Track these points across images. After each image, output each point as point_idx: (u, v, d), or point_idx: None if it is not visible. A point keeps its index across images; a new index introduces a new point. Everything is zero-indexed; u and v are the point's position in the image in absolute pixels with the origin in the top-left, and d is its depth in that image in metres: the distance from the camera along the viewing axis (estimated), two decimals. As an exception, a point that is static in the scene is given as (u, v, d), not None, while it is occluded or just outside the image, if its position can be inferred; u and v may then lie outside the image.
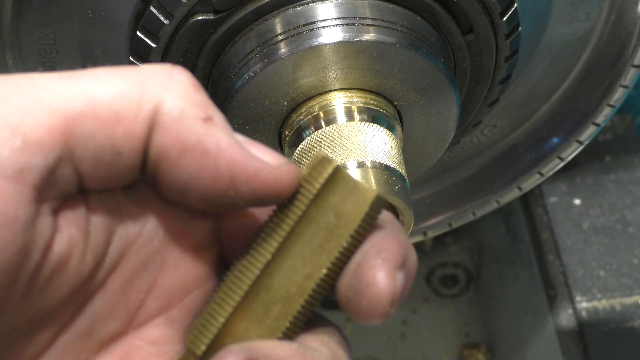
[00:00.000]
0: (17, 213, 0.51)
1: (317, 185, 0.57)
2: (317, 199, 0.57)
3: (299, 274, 0.57)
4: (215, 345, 0.57)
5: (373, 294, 0.55)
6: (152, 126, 0.54)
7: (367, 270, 0.56)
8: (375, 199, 0.57)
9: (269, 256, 0.57)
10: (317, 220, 0.57)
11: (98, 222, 0.56)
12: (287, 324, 0.57)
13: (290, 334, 0.57)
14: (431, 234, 1.19)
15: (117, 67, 0.55)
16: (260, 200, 0.56)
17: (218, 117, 0.55)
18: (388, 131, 0.88)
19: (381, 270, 0.56)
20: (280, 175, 0.56)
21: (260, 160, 0.56)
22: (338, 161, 0.85)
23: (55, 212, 0.54)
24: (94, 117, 0.53)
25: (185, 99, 0.55)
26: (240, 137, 0.56)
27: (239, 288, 0.57)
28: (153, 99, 0.54)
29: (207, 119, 0.55)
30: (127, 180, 0.56)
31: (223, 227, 0.60)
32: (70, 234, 0.55)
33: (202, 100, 0.55)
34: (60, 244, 0.54)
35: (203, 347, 0.57)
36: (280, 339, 0.57)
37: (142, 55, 0.90)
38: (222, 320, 0.57)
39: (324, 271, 0.57)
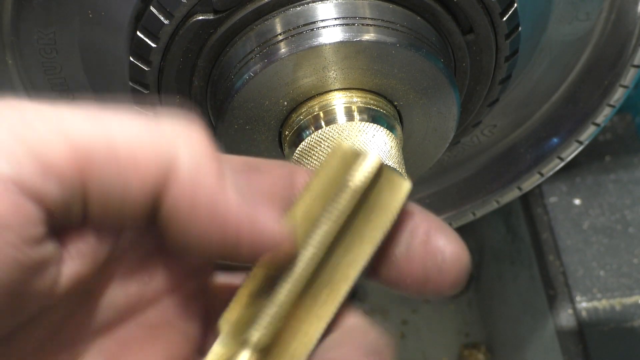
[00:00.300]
0: (28, 231, 0.52)
1: (359, 183, 0.59)
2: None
3: (342, 263, 0.59)
4: (277, 338, 0.59)
5: (447, 260, 0.59)
6: (166, 178, 0.55)
7: (432, 244, 0.59)
8: (409, 189, 0.60)
9: (315, 246, 0.59)
10: (355, 211, 0.59)
11: (97, 256, 0.57)
12: (334, 309, 0.59)
13: (334, 319, 0.60)
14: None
15: (139, 113, 0.56)
16: (256, 258, 0.58)
17: (229, 176, 0.57)
18: (388, 131, 0.88)
19: (443, 238, 0.60)
20: (282, 239, 0.58)
21: (264, 223, 0.57)
22: None
23: (60, 238, 0.55)
24: (112, 160, 0.54)
25: (201, 155, 0.56)
26: (247, 195, 0.58)
27: (285, 280, 0.59)
28: (171, 151, 0.55)
29: (220, 177, 0.56)
30: (132, 225, 0.57)
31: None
32: (72, 263, 0.56)
33: (216, 157, 0.57)
34: (59, 269, 0.55)
35: (265, 339, 0.58)
36: (328, 323, 0.59)
37: (142, 55, 0.90)
38: (275, 309, 0.58)
39: (366, 258, 0.59)
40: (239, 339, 0.58)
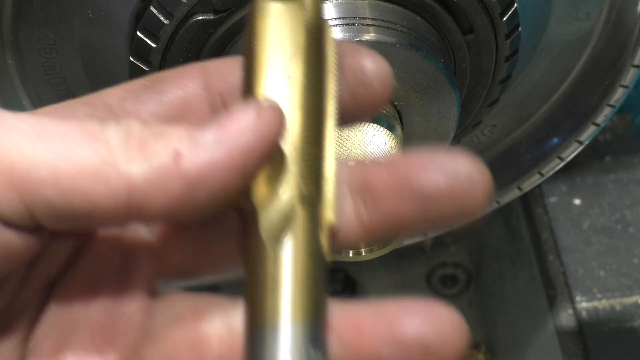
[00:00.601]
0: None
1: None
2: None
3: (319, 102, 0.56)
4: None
5: (368, 73, 0.57)
6: (126, 203, 0.52)
7: (355, 62, 0.57)
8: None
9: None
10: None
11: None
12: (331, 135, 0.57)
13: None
14: (431, 234, 1.19)
15: (89, 131, 0.53)
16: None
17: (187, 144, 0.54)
18: (388, 131, 0.88)
19: (363, 56, 0.57)
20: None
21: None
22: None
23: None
24: (55, 189, 0.52)
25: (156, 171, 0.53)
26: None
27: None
28: (124, 177, 0.52)
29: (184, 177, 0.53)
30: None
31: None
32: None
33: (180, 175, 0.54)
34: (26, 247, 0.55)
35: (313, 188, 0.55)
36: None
37: (142, 55, 0.90)
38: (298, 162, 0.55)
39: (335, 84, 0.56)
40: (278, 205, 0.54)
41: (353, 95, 0.57)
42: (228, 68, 0.59)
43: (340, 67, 0.57)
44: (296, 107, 0.55)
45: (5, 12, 0.92)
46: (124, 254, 0.59)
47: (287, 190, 0.54)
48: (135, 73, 0.91)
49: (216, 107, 0.59)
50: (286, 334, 0.52)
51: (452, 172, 0.55)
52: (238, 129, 0.52)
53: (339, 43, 0.57)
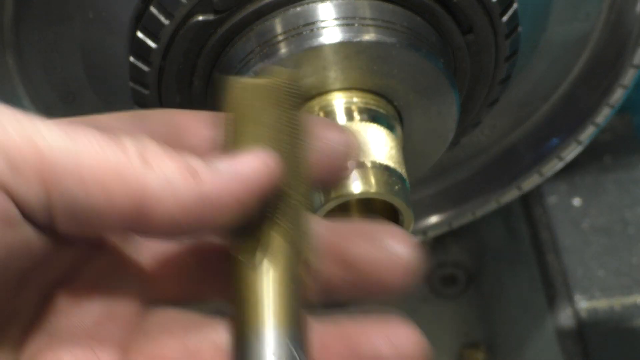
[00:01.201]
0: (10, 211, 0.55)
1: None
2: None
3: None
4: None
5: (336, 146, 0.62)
6: (140, 206, 0.56)
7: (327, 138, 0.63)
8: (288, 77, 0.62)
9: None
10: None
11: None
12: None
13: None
14: (431, 234, 1.19)
15: (109, 137, 0.57)
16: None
17: (202, 167, 0.58)
18: (388, 131, 0.88)
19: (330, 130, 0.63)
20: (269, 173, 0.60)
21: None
22: None
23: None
24: (78, 180, 0.55)
25: (172, 179, 0.56)
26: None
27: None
28: (140, 182, 0.56)
29: (196, 178, 0.57)
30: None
31: None
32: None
33: (192, 174, 0.57)
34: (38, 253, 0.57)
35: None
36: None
37: (143, 56, 0.90)
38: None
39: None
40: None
41: (318, 164, 0.62)
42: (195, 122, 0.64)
43: (310, 138, 0.62)
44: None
45: (5, 12, 0.92)
46: (120, 273, 0.62)
47: (267, 224, 0.60)
48: (135, 73, 0.91)
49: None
50: (270, 338, 0.57)
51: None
52: (253, 167, 0.57)
53: (310, 117, 0.64)
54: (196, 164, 0.56)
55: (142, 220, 0.56)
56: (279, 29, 0.88)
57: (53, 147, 0.55)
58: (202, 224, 0.57)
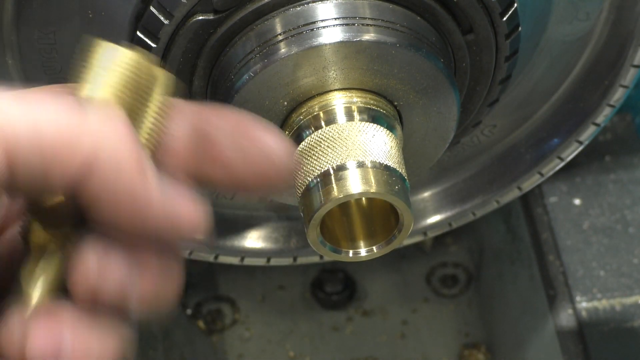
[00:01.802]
0: None
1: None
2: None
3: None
4: None
5: (275, 152, 0.63)
6: (88, 172, 0.58)
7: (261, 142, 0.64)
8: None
9: None
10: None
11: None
12: None
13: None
14: (431, 234, 1.19)
15: (68, 102, 0.59)
16: (174, 239, 0.62)
17: (150, 170, 0.59)
18: (388, 131, 0.88)
19: (266, 134, 0.64)
20: (200, 225, 0.62)
21: (184, 216, 0.61)
22: (337, 161, 0.85)
23: None
24: (36, 147, 0.57)
25: (124, 150, 0.58)
26: (166, 185, 0.61)
27: None
28: (94, 146, 0.58)
29: (142, 173, 0.58)
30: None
31: None
32: None
33: (138, 152, 0.59)
34: None
35: None
36: None
37: (142, 55, 0.90)
38: None
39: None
40: None
41: (254, 169, 0.63)
42: None
43: (242, 139, 0.63)
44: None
45: (5, 12, 0.92)
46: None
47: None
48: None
49: None
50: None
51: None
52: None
53: (247, 118, 0.64)
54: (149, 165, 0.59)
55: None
56: (279, 28, 0.88)
57: (11, 119, 0.56)
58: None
